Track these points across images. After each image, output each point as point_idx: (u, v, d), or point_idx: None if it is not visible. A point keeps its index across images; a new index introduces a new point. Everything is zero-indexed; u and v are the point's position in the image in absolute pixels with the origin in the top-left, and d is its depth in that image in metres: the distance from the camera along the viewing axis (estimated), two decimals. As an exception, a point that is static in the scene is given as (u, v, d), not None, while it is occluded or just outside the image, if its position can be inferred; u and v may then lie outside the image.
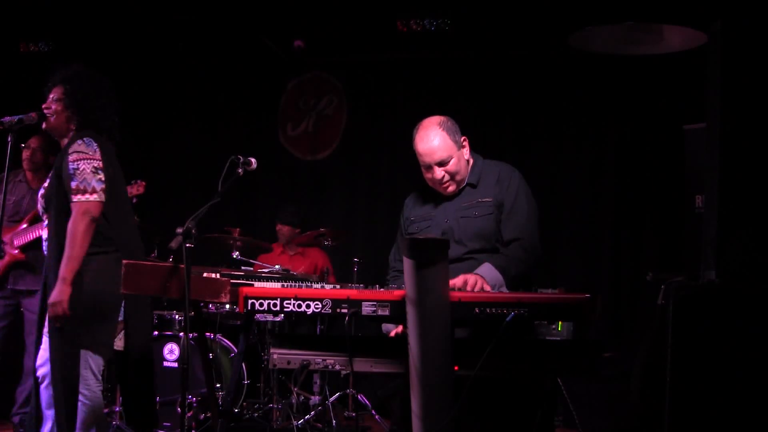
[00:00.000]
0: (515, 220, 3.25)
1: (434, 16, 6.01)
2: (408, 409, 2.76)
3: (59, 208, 3.44)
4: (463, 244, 3.22)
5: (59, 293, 3.34)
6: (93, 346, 3.46)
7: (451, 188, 3.32)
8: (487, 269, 3.10)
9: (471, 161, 3.39)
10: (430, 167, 3.30)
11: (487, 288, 2.98)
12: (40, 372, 3.51)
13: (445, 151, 3.27)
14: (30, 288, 4.88)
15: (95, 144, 3.48)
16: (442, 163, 3.28)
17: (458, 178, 3.32)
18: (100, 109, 3.58)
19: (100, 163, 3.46)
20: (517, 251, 3.20)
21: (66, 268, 3.35)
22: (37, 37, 6.62)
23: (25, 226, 4.84)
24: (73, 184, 3.40)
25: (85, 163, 3.41)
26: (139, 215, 5.51)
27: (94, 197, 3.41)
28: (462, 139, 3.35)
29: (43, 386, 3.49)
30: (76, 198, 3.39)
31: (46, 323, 3.49)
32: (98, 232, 3.46)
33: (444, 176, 3.29)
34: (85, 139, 3.47)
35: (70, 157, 3.43)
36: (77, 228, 3.37)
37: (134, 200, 3.65)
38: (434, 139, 3.28)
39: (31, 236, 4.76)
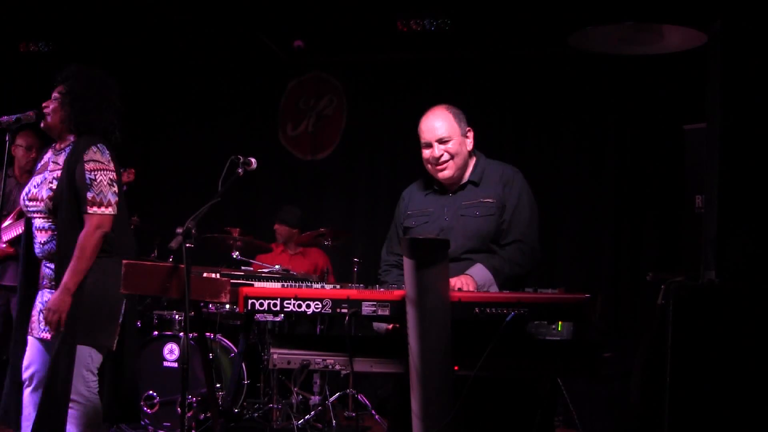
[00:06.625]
0: (516, 223, 3.23)
1: (434, 16, 6.01)
2: (404, 409, 2.77)
3: (71, 213, 3.41)
4: (461, 244, 3.19)
5: (61, 302, 3.32)
6: (96, 347, 3.45)
7: (448, 172, 3.27)
8: (478, 269, 3.10)
9: (474, 159, 3.36)
10: (429, 145, 3.27)
11: (472, 288, 2.98)
12: (26, 374, 3.47)
13: (447, 130, 3.26)
14: (17, 284, 4.89)
15: (108, 153, 3.47)
16: (442, 141, 3.25)
17: (457, 161, 3.27)
18: (96, 110, 3.52)
19: (115, 175, 3.46)
20: (514, 253, 3.19)
21: (72, 280, 3.33)
22: (37, 37, 6.62)
23: (10, 221, 4.82)
24: (89, 195, 3.38)
25: (102, 174, 3.40)
26: (139, 215, 5.53)
27: (109, 210, 3.41)
28: (467, 129, 3.33)
29: (30, 388, 3.46)
30: (91, 210, 3.38)
31: (35, 324, 3.47)
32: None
33: (443, 155, 3.25)
34: (99, 145, 3.45)
35: (87, 166, 3.40)
36: (89, 241, 3.36)
37: (125, 188, 3.65)
38: (439, 117, 3.28)
39: (18, 230, 4.77)
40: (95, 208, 3.38)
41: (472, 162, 3.36)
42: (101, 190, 3.39)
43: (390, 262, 3.41)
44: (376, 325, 3.32)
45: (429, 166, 3.31)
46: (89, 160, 3.40)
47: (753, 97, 2.62)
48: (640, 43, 4.52)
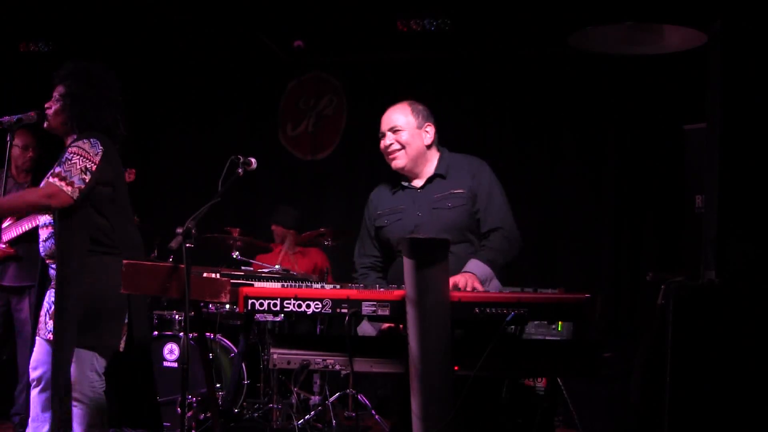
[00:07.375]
0: (493, 211, 3.29)
1: (434, 16, 6.00)
2: (407, 409, 2.77)
3: (66, 210, 3.36)
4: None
5: None
6: (98, 348, 3.42)
7: (399, 162, 3.35)
8: (475, 265, 3.12)
9: (438, 154, 3.42)
10: (383, 134, 3.37)
11: (477, 285, 2.99)
12: (33, 375, 3.46)
13: (400, 121, 3.36)
14: (16, 284, 4.90)
15: (101, 148, 3.41)
16: (394, 130, 3.34)
17: (409, 152, 3.34)
18: (96, 109, 3.51)
19: (94, 167, 3.37)
20: (501, 242, 3.24)
21: None
22: (37, 37, 6.62)
23: (9, 222, 4.82)
24: (57, 169, 3.32)
25: (79, 159, 3.34)
26: (139, 215, 5.52)
27: (68, 190, 3.30)
28: (426, 124, 3.39)
29: (37, 390, 3.45)
30: (51, 180, 3.30)
31: (42, 325, 3.45)
32: (102, 234, 3.43)
33: (393, 144, 3.34)
34: (91, 139, 3.41)
35: (70, 149, 3.37)
36: (28, 196, 3.29)
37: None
38: (396, 109, 3.40)
39: (19, 230, 4.77)
40: (56, 179, 3.31)
41: (436, 157, 3.41)
42: (70, 170, 3.31)
43: (366, 264, 3.46)
44: (361, 329, 3.31)
45: (385, 156, 3.41)
46: (74, 146, 3.38)
47: (753, 97, 2.63)
48: (640, 43, 4.52)
